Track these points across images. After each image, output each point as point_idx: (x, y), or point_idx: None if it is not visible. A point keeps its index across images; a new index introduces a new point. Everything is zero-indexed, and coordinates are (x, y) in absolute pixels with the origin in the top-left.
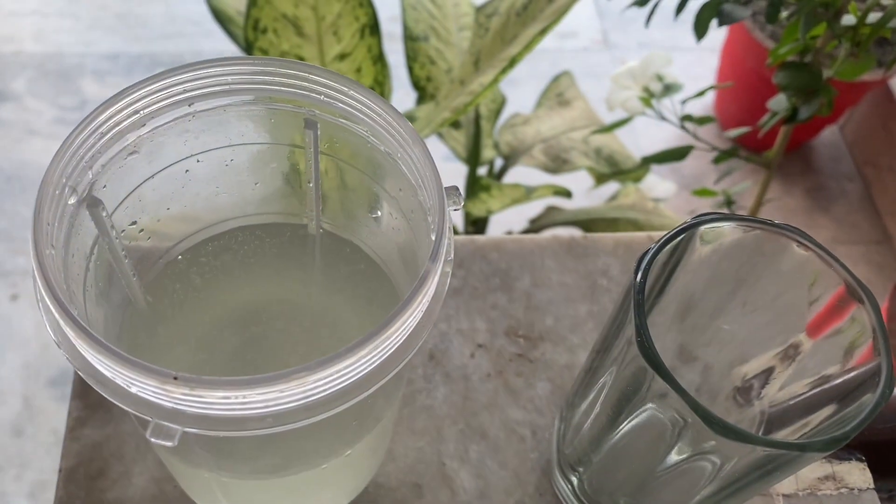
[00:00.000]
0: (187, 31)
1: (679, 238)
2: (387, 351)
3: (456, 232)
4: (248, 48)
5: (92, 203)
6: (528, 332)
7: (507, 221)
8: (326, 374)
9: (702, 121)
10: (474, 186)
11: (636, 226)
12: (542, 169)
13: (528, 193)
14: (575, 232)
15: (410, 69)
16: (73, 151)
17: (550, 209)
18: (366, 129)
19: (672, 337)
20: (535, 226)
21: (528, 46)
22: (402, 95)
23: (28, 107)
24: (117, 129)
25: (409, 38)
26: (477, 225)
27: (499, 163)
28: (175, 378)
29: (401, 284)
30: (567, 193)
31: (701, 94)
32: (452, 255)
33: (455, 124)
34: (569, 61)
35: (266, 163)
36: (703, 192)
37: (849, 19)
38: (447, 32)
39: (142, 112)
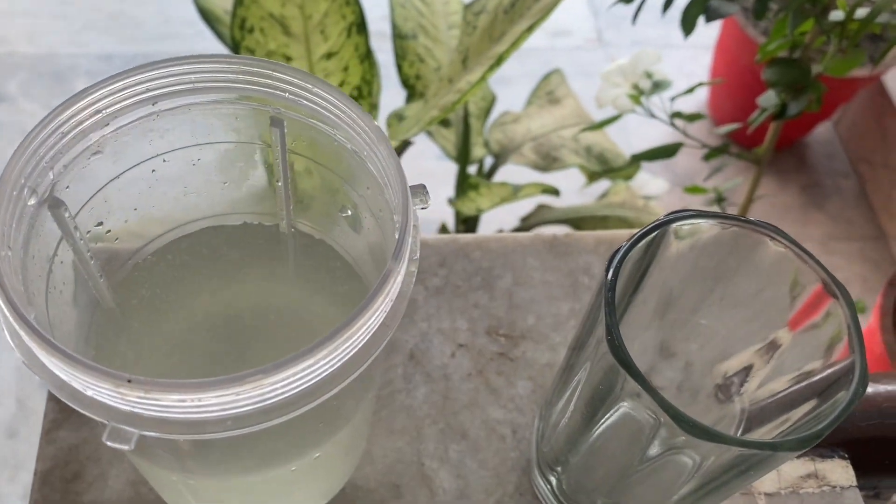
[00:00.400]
0: (181, 31)
1: (651, 235)
2: (348, 353)
3: (446, 231)
4: (235, 48)
5: (54, 204)
6: (509, 331)
7: (498, 220)
8: (283, 376)
9: (691, 118)
10: (463, 185)
11: (626, 223)
12: (532, 167)
13: (515, 192)
14: (558, 230)
15: (399, 67)
16: (33, 151)
17: (541, 207)
18: (332, 127)
19: (652, 333)
20: (526, 224)
21: (515, 44)
22: (393, 94)
23: (22, 108)
24: (79, 128)
25: (398, 37)
26: (468, 224)
27: (489, 161)
28: (129, 381)
29: (372, 284)
30: (555, 192)
31: (690, 90)
32: (418, 255)
33: (445, 122)
34: (562, 60)
35: (234, 162)
36: (694, 190)
37: (837, 15)
38: (436, 30)
39: (104, 111)
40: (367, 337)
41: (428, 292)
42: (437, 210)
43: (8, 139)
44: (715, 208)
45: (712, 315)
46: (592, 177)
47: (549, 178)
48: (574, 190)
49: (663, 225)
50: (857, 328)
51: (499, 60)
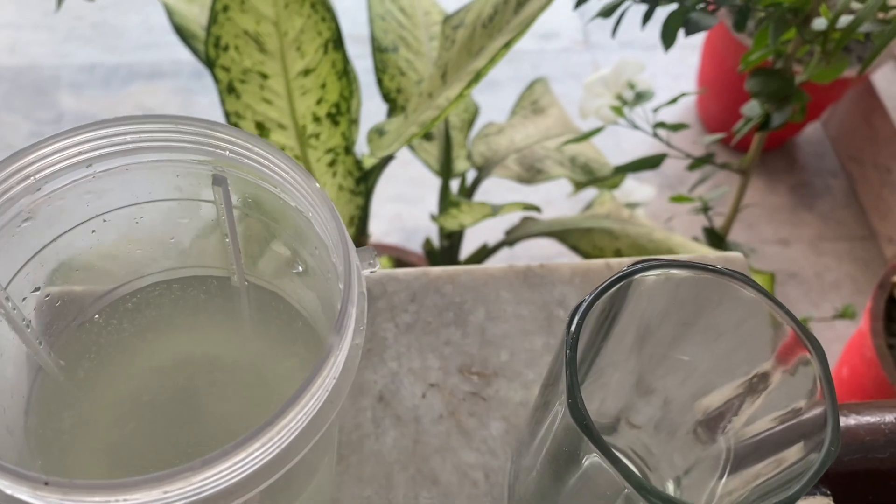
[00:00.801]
0: (164, 41)
1: (615, 288)
2: (286, 439)
3: (431, 246)
4: (210, 66)
5: None
6: (482, 369)
7: (483, 233)
8: (214, 472)
9: (675, 127)
10: (445, 202)
11: (611, 235)
12: (515, 180)
13: (495, 211)
14: (532, 261)
15: (380, 81)
16: None
17: (526, 220)
18: (275, 186)
19: (629, 368)
20: (511, 237)
21: (493, 60)
22: (378, 103)
23: (3, 121)
24: (7, 196)
25: (378, 50)
26: (452, 238)
27: (472, 174)
28: (46, 483)
29: (325, 337)
30: (536, 209)
31: (673, 101)
32: (365, 324)
33: (427, 136)
34: (549, 63)
35: (179, 218)
36: (679, 199)
37: (819, 23)
38: (417, 42)
39: (35, 177)
40: (307, 420)
41: (398, 329)
42: (424, 219)
43: None
44: (702, 217)
45: (691, 349)
46: (578, 186)
47: (533, 190)
48: (561, 197)
49: (627, 276)
50: (830, 385)
51: (477, 77)
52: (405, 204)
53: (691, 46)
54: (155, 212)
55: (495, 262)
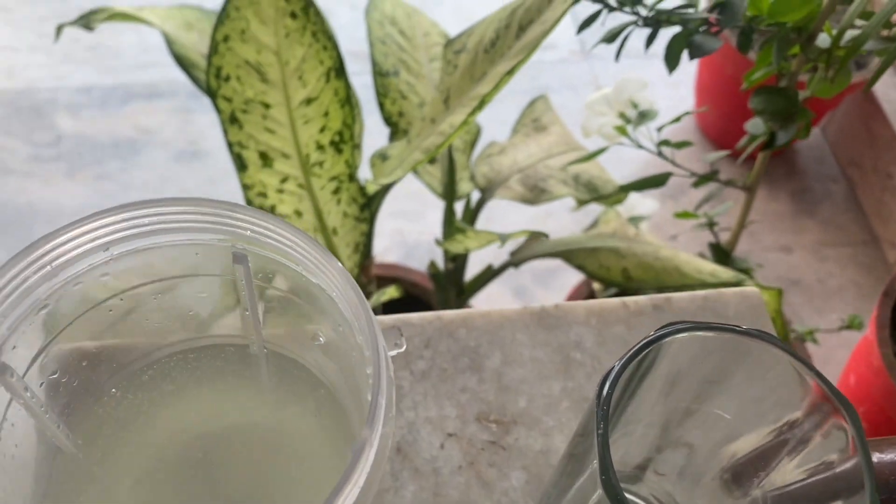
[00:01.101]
0: (161, 60)
1: (643, 353)
2: None
3: (436, 269)
4: (211, 96)
5: (0, 370)
6: (500, 416)
7: (487, 254)
8: None
9: (679, 145)
10: (451, 227)
11: (618, 254)
12: (519, 200)
13: (502, 240)
14: (533, 277)
15: (381, 105)
16: None
17: (531, 240)
18: (297, 264)
19: (655, 418)
20: (516, 258)
21: (497, 86)
22: (377, 120)
23: (2, 145)
24: (24, 286)
25: (379, 74)
26: (456, 261)
27: (476, 194)
28: None
29: (348, 406)
30: (544, 235)
31: (676, 120)
32: (394, 411)
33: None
34: (547, 74)
35: (198, 293)
36: (685, 215)
37: (823, 40)
38: (418, 65)
39: (52, 265)
40: None
41: (414, 377)
42: (425, 234)
43: None
44: (707, 233)
45: (717, 400)
46: (581, 202)
47: (537, 209)
48: (563, 209)
49: (656, 341)
50: (865, 448)
51: (481, 104)
52: (405, 220)
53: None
54: (173, 288)
55: (500, 282)
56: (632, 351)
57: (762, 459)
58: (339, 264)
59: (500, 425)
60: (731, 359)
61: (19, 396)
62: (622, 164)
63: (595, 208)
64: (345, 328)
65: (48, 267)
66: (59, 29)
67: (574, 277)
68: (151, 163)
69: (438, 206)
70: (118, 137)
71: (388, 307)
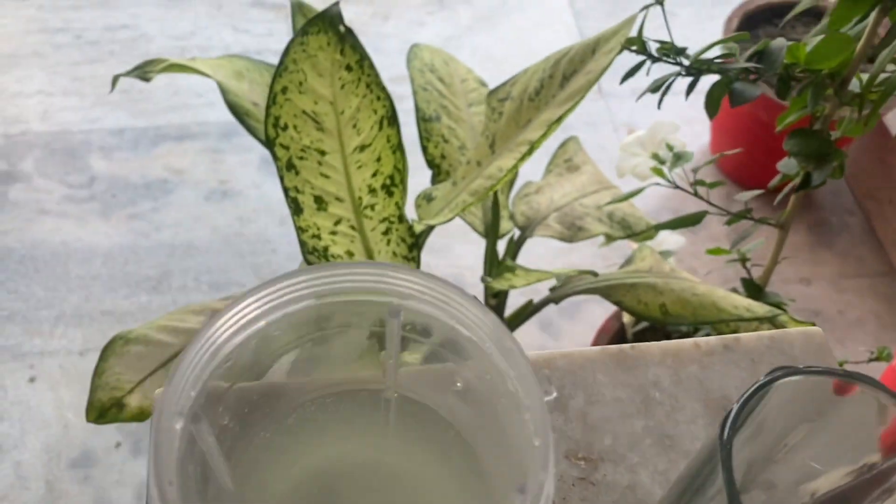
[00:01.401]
0: (191, 102)
1: (758, 394)
2: None
3: None
4: (269, 144)
5: (195, 419)
6: (587, 454)
7: (526, 289)
8: None
9: (713, 185)
10: (499, 266)
11: (655, 290)
12: (558, 238)
13: (558, 279)
14: (624, 345)
15: (425, 149)
16: (181, 381)
17: (573, 277)
18: (451, 318)
19: (743, 455)
20: (556, 295)
21: (546, 133)
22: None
23: (37, 187)
24: (214, 346)
25: (423, 120)
26: (498, 297)
27: (516, 232)
28: None
29: (481, 449)
30: (594, 274)
31: (710, 162)
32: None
33: None
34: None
35: (346, 343)
36: (716, 251)
37: (855, 84)
38: (457, 110)
39: (238, 324)
40: None
41: None
42: (452, 268)
43: (26, 218)
44: (739, 269)
45: (801, 440)
46: (609, 238)
47: (574, 248)
48: (586, 245)
49: (768, 384)
50: None
51: (531, 149)
52: (433, 255)
53: (701, 91)
54: (326, 340)
55: (540, 317)
56: (749, 392)
57: (841, 499)
58: (496, 317)
59: (589, 462)
60: (823, 400)
61: (204, 442)
62: (641, 199)
63: (619, 243)
64: (494, 377)
65: (235, 326)
66: (115, 79)
67: (599, 310)
68: (182, 202)
69: (465, 240)
70: (150, 178)
71: None
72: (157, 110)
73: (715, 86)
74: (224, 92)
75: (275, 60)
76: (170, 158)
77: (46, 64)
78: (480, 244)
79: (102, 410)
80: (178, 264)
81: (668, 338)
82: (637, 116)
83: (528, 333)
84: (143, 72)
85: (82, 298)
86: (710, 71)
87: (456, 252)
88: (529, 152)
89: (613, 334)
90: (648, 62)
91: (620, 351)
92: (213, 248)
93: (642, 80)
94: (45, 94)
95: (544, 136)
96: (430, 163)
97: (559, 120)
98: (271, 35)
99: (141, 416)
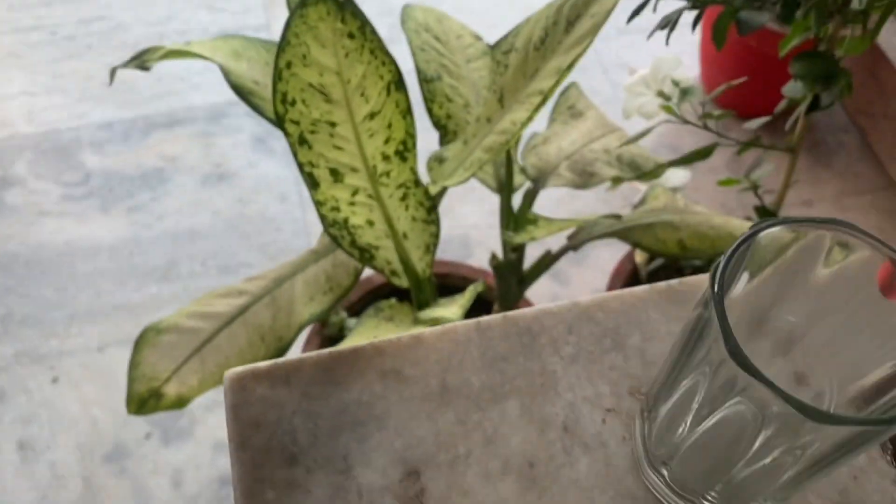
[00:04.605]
0: (175, 87)
1: (742, 246)
2: None
3: (498, 260)
4: (279, 121)
5: None
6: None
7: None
8: None
9: (721, 116)
10: (520, 219)
11: (672, 227)
12: (571, 186)
13: (584, 223)
14: (671, 281)
15: (430, 110)
16: None
17: (589, 222)
18: None
19: (780, 365)
20: (575, 242)
21: (558, 81)
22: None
23: (34, 189)
24: None
25: (424, 80)
26: (517, 251)
27: (527, 185)
28: None
29: None
30: (618, 217)
31: (718, 93)
32: None
33: None
34: None
35: None
36: (728, 182)
37: (856, 3)
38: (457, 67)
39: None
40: None
41: (564, 361)
42: (456, 228)
43: (26, 221)
44: (751, 196)
45: (831, 335)
46: (616, 181)
47: (587, 193)
48: (601, 195)
49: (752, 236)
50: None
51: (544, 99)
52: None
53: (687, 25)
54: None
55: (559, 265)
56: (736, 245)
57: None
58: None
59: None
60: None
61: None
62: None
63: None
64: None
65: None
66: (113, 72)
67: (606, 255)
68: (180, 189)
69: (467, 200)
70: (145, 168)
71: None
72: (143, 99)
73: (721, 16)
74: (226, 73)
75: (256, 37)
76: (162, 147)
77: (24, 64)
78: (483, 203)
79: (142, 402)
80: (184, 251)
81: (682, 274)
82: (625, 56)
83: (539, 284)
84: (142, 61)
85: (93, 295)
86: (714, 2)
87: (460, 212)
88: (543, 102)
89: (627, 276)
90: None
91: (668, 287)
92: (217, 231)
93: (623, 18)
94: (27, 95)
95: (557, 83)
96: (437, 124)
97: (570, 66)
98: (248, 11)
99: (179, 403)
